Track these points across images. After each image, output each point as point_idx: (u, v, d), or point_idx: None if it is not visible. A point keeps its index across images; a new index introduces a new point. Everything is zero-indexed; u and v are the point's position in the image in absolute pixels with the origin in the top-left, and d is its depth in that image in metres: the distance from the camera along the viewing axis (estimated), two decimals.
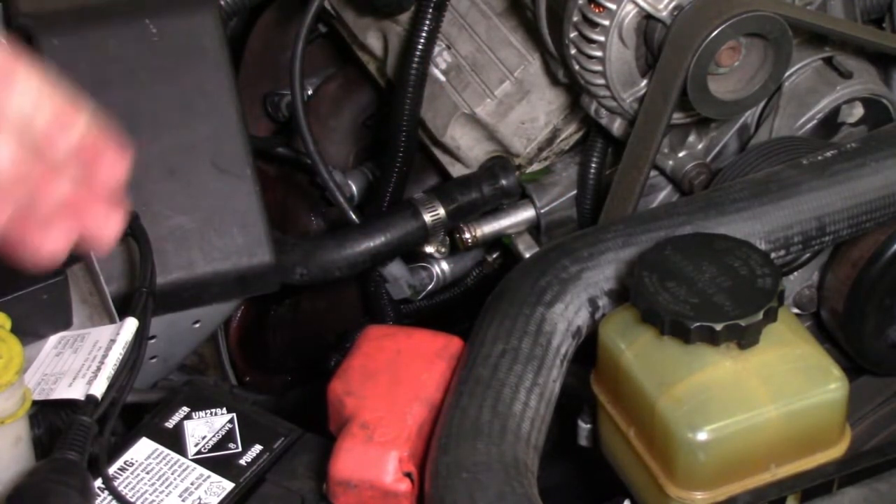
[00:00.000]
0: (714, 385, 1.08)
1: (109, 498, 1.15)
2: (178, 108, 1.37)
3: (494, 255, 1.65)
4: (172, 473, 1.18)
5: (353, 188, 1.67)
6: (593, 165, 1.49)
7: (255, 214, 1.37)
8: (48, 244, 0.95)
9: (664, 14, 1.33)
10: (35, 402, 1.16)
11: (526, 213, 1.53)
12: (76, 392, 1.15)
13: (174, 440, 1.21)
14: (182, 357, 1.53)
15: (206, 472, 1.18)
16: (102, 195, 0.96)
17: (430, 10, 1.51)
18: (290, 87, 1.53)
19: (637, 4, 1.33)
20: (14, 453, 1.13)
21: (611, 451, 1.17)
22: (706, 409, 1.07)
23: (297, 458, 1.20)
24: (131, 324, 1.19)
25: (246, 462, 1.19)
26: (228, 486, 1.17)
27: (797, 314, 1.41)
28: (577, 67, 1.38)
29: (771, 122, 1.42)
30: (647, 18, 1.34)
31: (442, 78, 1.56)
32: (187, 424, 1.22)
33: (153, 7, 1.38)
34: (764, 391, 1.08)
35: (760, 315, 1.08)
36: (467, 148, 1.56)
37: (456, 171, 1.59)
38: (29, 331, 1.20)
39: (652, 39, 1.34)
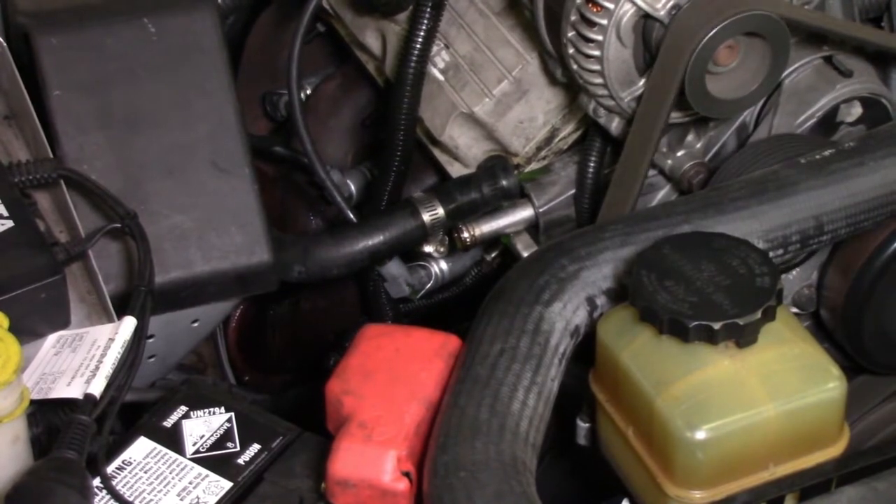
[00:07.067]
0: (712, 384, 1.08)
1: (108, 497, 1.15)
2: (177, 106, 1.37)
3: (493, 255, 1.65)
4: (170, 472, 1.18)
5: (352, 187, 1.67)
6: (592, 164, 1.48)
7: (254, 213, 1.37)
8: None
9: (662, 13, 1.33)
10: (33, 401, 1.15)
11: (524, 213, 1.52)
12: (74, 391, 1.15)
13: (172, 439, 1.21)
14: (181, 356, 1.53)
15: (205, 472, 1.18)
16: None
17: (429, 10, 1.51)
18: (287, 87, 1.53)
19: (635, 4, 1.33)
20: (12, 452, 1.13)
21: (609, 450, 1.17)
22: (704, 408, 1.07)
23: (295, 458, 1.20)
24: (130, 323, 1.19)
25: (244, 461, 1.19)
26: (227, 485, 1.17)
27: (796, 313, 1.41)
28: (575, 67, 1.38)
29: (770, 120, 1.42)
30: (645, 18, 1.34)
31: (440, 77, 1.56)
32: (185, 423, 1.22)
33: (151, 6, 1.38)
34: (762, 390, 1.08)
35: (759, 314, 1.08)
36: (466, 147, 1.56)
37: (454, 170, 1.58)
38: (27, 330, 1.20)
39: (650, 39, 1.34)
